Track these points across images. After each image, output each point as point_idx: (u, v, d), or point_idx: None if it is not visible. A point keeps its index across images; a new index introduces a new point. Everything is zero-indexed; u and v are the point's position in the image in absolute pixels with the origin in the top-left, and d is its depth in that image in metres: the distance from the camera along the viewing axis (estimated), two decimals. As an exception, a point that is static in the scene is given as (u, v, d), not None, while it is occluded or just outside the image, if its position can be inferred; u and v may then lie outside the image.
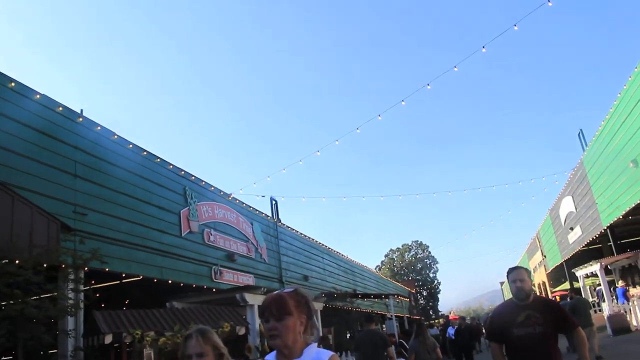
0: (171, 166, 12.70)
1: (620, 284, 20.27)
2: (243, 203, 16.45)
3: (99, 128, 10.43)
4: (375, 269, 72.66)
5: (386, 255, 74.50)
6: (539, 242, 40.51)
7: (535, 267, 46.53)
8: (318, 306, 14.58)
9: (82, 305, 7.74)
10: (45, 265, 7.00)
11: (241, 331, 7.68)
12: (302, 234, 21.82)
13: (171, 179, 12.59)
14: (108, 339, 6.03)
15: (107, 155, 10.41)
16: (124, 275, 10.14)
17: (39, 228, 7.52)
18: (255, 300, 9.97)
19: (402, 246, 73.66)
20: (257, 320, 9.46)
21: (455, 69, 13.87)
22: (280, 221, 19.68)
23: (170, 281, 11.29)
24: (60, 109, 9.50)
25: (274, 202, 19.61)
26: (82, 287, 7.73)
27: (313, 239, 23.25)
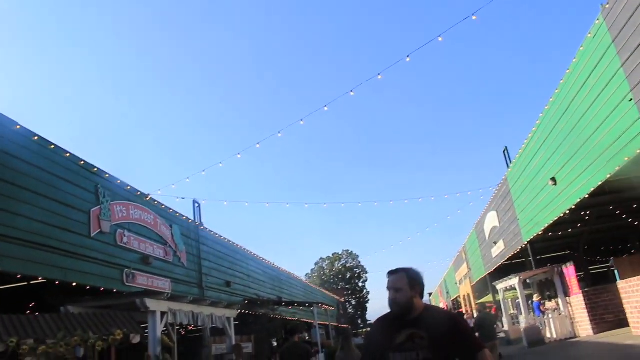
0: (82, 162, 11.97)
1: (536, 297, 21.12)
2: (162, 204, 15.81)
3: (-3, 117, 9.63)
4: (305, 277, 72.70)
5: (316, 264, 74.84)
6: (465, 254, 41.81)
7: (461, 279, 48.04)
8: (232, 313, 14.18)
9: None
10: None
11: (135, 339, 7.21)
12: (225, 238, 21.32)
13: (81, 176, 11.86)
14: (-22, 345, 5.45)
15: (5, 146, 9.62)
16: (19, 276, 9.36)
17: None
18: (159, 306, 9.42)
19: (333, 255, 74.23)
20: (160, 328, 8.96)
21: (380, 77, 13.95)
22: (202, 225, 19.12)
23: (74, 284, 10.57)
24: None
25: (196, 205, 19.04)
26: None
27: (237, 245, 22.79)
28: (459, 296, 53.57)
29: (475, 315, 14.76)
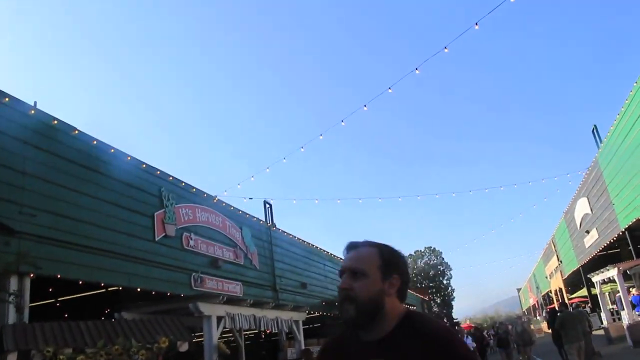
0: (144, 165, 11.78)
1: (635, 291, 18.95)
2: (231, 206, 15.47)
3: (55, 122, 9.53)
4: (388, 276, 71.30)
5: (398, 262, 73.18)
6: (555, 246, 39.11)
7: (552, 272, 45.01)
8: (300, 316, 13.48)
9: (12, 317, 6.82)
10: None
11: (183, 347, 6.66)
12: (299, 239, 20.79)
13: (144, 179, 11.66)
14: (12, 358, 5.10)
15: (65, 152, 9.50)
16: (81, 282, 9.18)
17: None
18: (214, 310, 8.87)
19: (415, 252, 72.29)
20: (215, 334, 8.41)
21: (417, 71, 12.78)
22: (274, 226, 18.68)
23: (139, 289, 10.34)
24: (7, 99, 8.61)
25: (267, 206, 18.62)
26: (10, 297, 6.78)
27: (312, 245, 22.20)
28: (550, 291, 50.27)
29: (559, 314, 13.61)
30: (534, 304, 64.33)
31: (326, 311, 21.16)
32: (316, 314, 21.35)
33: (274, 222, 18.70)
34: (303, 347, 13.44)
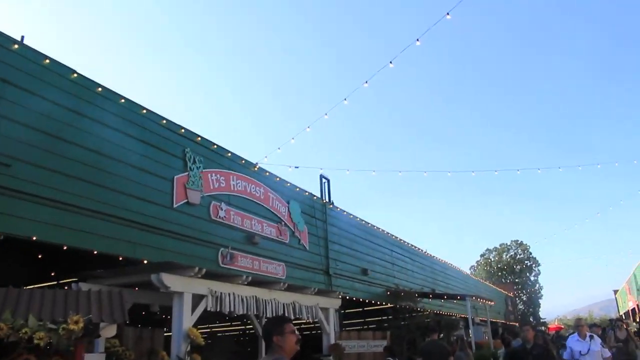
0: (165, 121, 10.15)
1: None
2: (277, 177, 13.62)
3: (47, 61, 8.04)
4: (470, 270, 67.46)
5: (482, 255, 68.91)
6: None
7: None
8: (331, 303, 11.25)
9: None
10: None
11: (109, 331, 4.87)
12: (361, 219, 18.65)
13: (163, 137, 10.03)
14: None
15: (54, 96, 7.99)
16: (65, 248, 7.64)
17: None
18: (189, 286, 6.88)
19: (500, 246, 67.71)
20: (188, 317, 6.48)
21: None
22: (332, 203, 16.66)
23: (145, 262, 8.71)
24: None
25: (324, 180, 16.62)
26: None
27: (377, 227, 19.97)
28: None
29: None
30: (634, 308, 58.06)
31: (390, 302, 18.92)
32: (379, 304, 19.19)
33: (331, 198, 16.68)
34: (333, 342, 11.32)
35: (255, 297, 7.83)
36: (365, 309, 22.71)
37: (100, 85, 8.84)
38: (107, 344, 7.59)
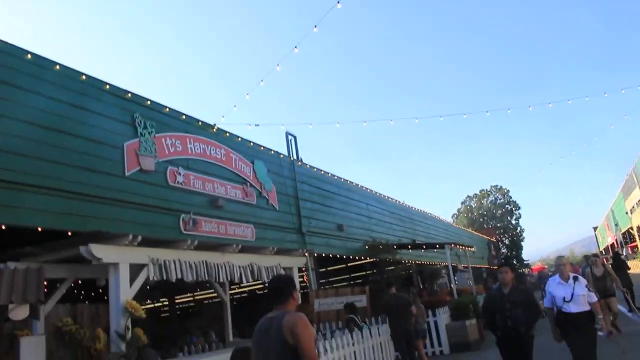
0: (108, 86, 9.59)
1: None
2: (238, 137, 13.16)
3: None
4: (452, 218, 68.19)
5: (462, 203, 69.58)
6: (637, 177, 34.78)
7: (633, 207, 40.63)
8: (294, 262, 10.86)
9: None
10: None
11: (18, 314, 4.53)
12: (334, 175, 18.35)
13: (108, 103, 9.49)
14: None
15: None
16: (2, 227, 7.21)
17: None
18: (123, 255, 6.48)
19: (480, 192, 68.33)
20: (125, 289, 6.13)
21: None
22: (300, 160, 16.30)
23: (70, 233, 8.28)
24: None
25: (290, 137, 16.21)
26: None
27: (352, 182, 19.72)
28: (631, 227, 45.69)
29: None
30: (613, 243, 59.45)
31: (370, 255, 18.83)
32: (357, 259, 19.10)
33: (299, 156, 16.31)
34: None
35: (206, 262, 7.50)
36: (348, 264, 22.76)
37: (30, 52, 8.24)
38: (59, 322, 7.28)
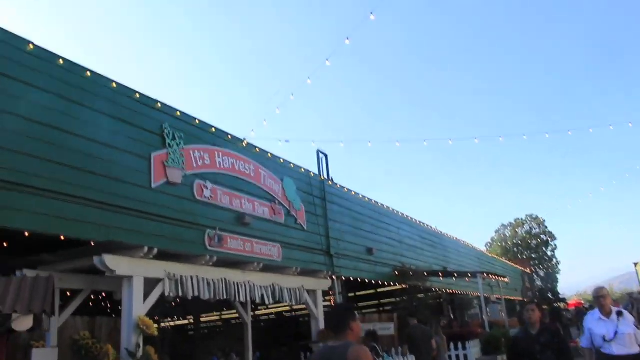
0: (138, 95, 9.45)
1: None
2: (268, 153, 12.89)
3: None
4: (486, 247, 66.49)
5: (496, 232, 67.87)
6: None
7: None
8: (319, 285, 10.35)
9: None
10: None
11: (22, 324, 4.17)
12: (365, 197, 17.90)
13: (137, 112, 9.33)
14: None
15: (15, 71, 7.31)
16: (26, 234, 7.01)
17: None
18: (136, 268, 6.15)
19: (515, 221, 66.58)
20: (139, 304, 5.78)
21: None
22: (331, 180, 15.92)
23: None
24: None
25: (321, 156, 15.87)
26: None
27: (382, 205, 19.22)
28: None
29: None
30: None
31: (399, 282, 18.19)
32: (387, 285, 18.47)
33: (330, 175, 15.94)
34: (321, 328, 10.61)
35: (225, 279, 7.12)
36: (377, 290, 22.08)
37: (62, 58, 8.16)
38: (76, 336, 7.00)
